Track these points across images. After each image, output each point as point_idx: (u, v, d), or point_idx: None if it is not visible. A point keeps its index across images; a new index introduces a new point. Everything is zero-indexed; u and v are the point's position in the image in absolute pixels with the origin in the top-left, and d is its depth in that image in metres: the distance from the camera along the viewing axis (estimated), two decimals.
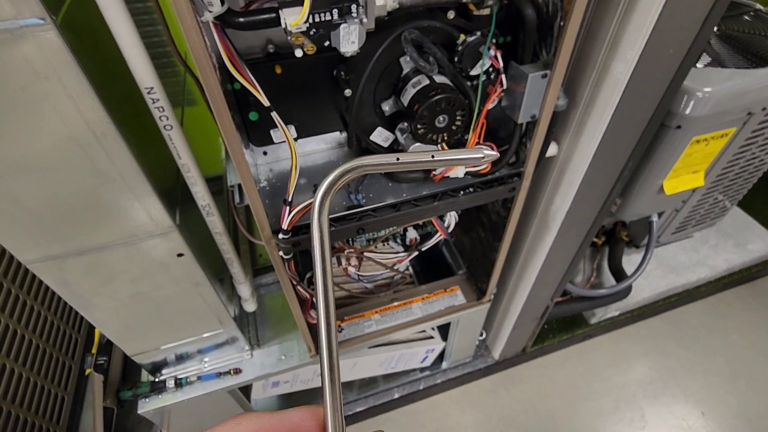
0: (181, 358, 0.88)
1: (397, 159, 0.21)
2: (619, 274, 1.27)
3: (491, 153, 0.22)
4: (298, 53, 0.44)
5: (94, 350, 0.91)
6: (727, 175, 1.19)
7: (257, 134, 0.61)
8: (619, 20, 0.56)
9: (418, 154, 0.22)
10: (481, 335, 1.28)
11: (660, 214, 1.24)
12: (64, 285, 0.61)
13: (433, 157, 0.22)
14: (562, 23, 0.51)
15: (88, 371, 0.90)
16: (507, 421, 1.23)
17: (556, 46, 0.53)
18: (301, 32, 0.41)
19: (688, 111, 0.89)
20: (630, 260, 1.33)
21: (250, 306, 0.91)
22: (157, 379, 0.87)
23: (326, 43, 0.43)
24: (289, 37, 0.42)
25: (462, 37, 0.54)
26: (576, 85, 0.66)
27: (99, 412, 0.85)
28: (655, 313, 1.43)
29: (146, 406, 0.86)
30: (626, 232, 1.33)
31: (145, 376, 0.89)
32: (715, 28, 1.05)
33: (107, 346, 1.00)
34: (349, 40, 0.43)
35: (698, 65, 1.00)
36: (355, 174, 0.20)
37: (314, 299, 0.17)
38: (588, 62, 0.62)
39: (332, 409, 0.19)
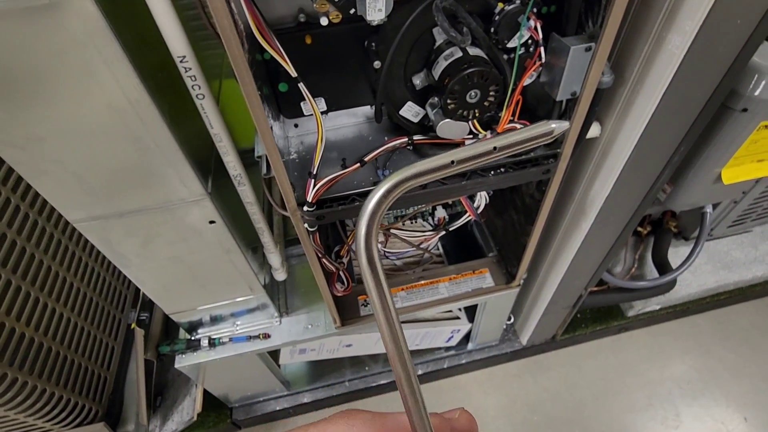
0: (215, 320, 0.92)
1: (452, 162, 0.18)
2: (663, 267, 1.20)
3: (561, 124, 0.19)
4: (323, 21, 0.43)
5: (137, 307, 0.98)
6: None
7: (288, 106, 0.61)
8: None
9: (476, 147, 0.18)
10: (509, 319, 1.26)
11: (715, 205, 1.15)
12: (107, 244, 0.65)
13: (495, 148, 0.18)
14: None
15: (132, 325, 0.97)
16: (531, 407, 1.21)
17: (603, 16, 0.49)
18: None
19: (757, 92, 0.80)
20: (677, 253, 1.25)
21: (280, 275, 0.94)
22: (192, 338, 0.93)
23: (352, 11, 0.42)
24: (314, 4, 0.41)
25: (500, 5, 0.50)
26: (626, 59, 0.60)
27: (141, 363, 0.92)
28: (700, 311, 1.34)
29: (182, 362, 0.92)
30: (675, 222, 1.25)
31: (183, 334, 0.95)
32: None
33: (150, 304, 1.07)
34: (375, 7, 0.41)
35: None
36: (401, 191, 0.18)
37: (366, 284, 0.17)
38: (640, 34, 0.57)
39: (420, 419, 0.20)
